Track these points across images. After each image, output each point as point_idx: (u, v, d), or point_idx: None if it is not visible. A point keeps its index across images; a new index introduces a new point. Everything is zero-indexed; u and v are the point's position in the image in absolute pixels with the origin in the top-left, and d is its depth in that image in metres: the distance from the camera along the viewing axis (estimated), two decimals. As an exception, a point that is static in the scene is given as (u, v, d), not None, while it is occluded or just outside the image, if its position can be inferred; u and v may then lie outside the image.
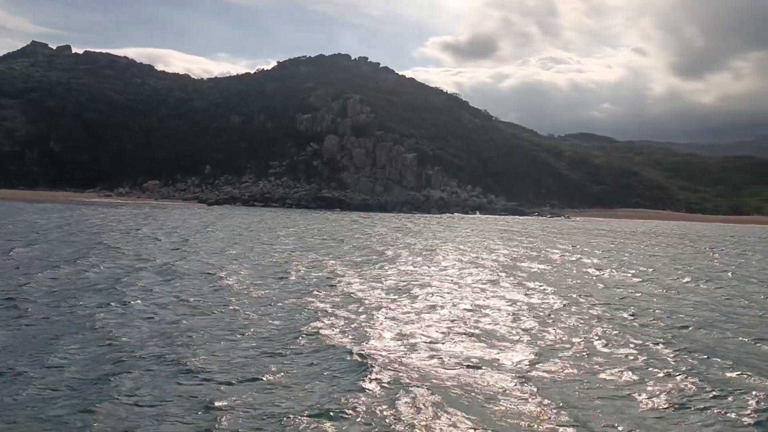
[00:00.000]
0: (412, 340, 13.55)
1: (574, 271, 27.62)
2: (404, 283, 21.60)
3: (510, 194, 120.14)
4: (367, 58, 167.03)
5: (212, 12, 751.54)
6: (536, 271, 27.00)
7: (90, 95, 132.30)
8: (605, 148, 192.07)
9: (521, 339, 14.10)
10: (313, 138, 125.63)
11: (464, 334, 14.38)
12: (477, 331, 14.64)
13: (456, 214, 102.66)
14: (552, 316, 16.93)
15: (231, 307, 16.45)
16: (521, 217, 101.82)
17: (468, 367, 11.85)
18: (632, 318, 17.02)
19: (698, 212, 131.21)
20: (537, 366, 12.04)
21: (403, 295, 19.12)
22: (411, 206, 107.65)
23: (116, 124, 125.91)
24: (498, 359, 12.41)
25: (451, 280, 23.12)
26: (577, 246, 42.50)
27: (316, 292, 19.07)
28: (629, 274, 27.29)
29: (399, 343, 13.34)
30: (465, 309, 17.38)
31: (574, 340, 14.18)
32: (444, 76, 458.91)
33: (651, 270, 29.35)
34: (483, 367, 11.79)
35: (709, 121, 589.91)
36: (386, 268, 26.11)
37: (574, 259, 33.47)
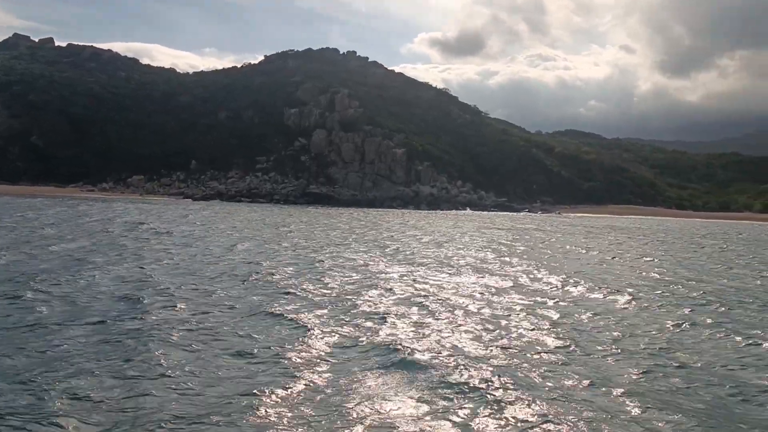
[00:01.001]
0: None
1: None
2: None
3: (500, 190, 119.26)
4: (356, 53, 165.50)
5: (199, 6, 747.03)
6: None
7: (73, 89, 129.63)
8: (593, 145, 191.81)
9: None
10: (300, 133, 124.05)
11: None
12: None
13: (446, 210, 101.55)
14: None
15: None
16: (511, 214, 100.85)
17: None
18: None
19: (689, 209, 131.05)
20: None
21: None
22: (400, 202, 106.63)
23: (100, 119, 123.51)
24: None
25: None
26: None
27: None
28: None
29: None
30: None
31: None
32: (432, 72, 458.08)
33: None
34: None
35: (695, 119, 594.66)
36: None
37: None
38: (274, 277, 19.15)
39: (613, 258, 30.53)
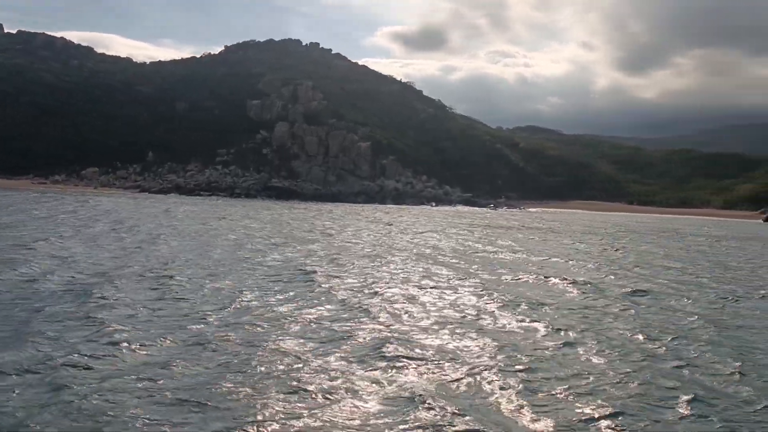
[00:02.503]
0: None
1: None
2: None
3: (466, 185, 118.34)
4: (319, 44, 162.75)
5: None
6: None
7: (24, 77, 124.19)
8: (553, 141, 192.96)
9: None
10: (262, 125, 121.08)
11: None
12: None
13: (412, 205, 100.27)
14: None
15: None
16: (477, 209, 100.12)
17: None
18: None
19: (650, 205, 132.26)
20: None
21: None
22: (365, 197, 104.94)
23: (52, 108, 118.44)
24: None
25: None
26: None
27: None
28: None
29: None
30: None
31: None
32: (393, 67, 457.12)
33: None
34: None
35: (651, 116, 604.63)
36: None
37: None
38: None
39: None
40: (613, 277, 22.03)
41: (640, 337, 12.88)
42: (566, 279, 20.03)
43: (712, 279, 22.81)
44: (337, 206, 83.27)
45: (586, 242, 38.21)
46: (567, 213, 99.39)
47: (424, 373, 9.88)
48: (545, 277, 20.66)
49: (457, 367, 10.24)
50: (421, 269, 21.85)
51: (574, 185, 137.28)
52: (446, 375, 9.85)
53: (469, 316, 14.16)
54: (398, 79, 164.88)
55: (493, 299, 16.12)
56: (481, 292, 17.24)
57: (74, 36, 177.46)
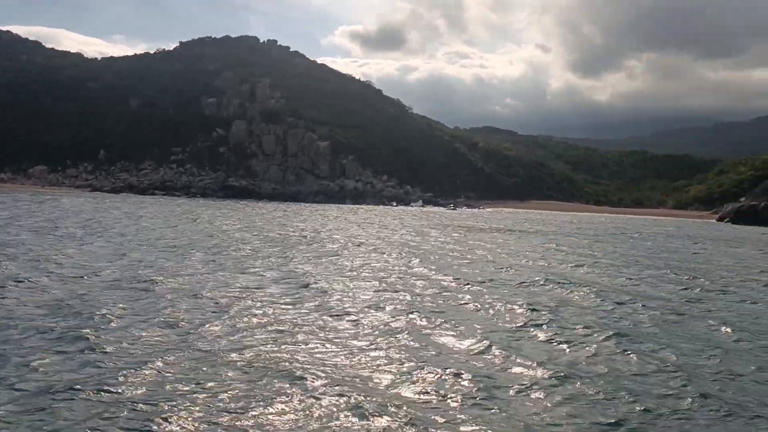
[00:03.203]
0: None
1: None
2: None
3: (426, 185, 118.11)
4: (277, 41, 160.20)
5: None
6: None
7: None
8: (510, 141, 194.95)
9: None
10: (219, 123, 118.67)
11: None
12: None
13: (372, 205, 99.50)
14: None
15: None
16: (436, 208, 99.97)
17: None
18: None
19: (605, 204, 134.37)
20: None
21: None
22: (324, 196, 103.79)
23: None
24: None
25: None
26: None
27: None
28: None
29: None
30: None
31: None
32: (352, 66, 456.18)
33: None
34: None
35: (604, 117, 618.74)
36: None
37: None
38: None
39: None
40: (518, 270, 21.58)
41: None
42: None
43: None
44: (289, 206, 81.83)
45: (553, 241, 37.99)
46: (529, 212, 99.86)
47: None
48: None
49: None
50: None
51: (531, 185, 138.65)
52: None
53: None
54: (358, 78, 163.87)
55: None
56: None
57: (21, 30, 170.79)
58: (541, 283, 18.68)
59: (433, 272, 20.31)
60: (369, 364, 9.75)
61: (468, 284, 17.77)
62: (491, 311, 14.23)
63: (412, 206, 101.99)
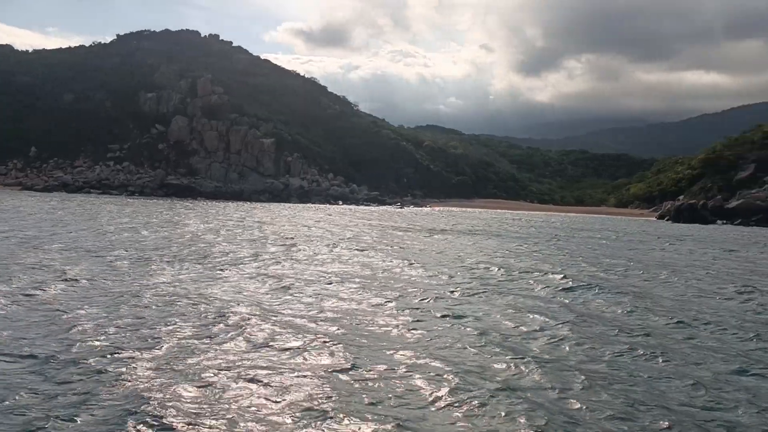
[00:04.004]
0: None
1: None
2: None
3: (372, 184, 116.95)
4: (219, 36, 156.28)
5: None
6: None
7: None
8: (455, 140, 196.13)
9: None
10: (158, 119, 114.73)
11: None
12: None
13: (318, 203, 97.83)
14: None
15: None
16: (382, 207, 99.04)
17: None
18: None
19: (549, 203, 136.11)
20: None
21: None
22: (269, 195, 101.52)
23: None
24: None
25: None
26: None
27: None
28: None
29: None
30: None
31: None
32: (295, 63, 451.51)
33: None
34: None
35: (544, 117, 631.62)
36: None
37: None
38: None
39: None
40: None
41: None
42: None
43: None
44: (227, 205, 79.38)
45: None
46: (485, 211, 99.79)
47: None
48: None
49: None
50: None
51: (478, 184, 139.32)
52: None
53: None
54: (302, 74, 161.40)
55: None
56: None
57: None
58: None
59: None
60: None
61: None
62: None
63: (362, 205, 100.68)
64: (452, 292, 15.93)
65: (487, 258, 25.24)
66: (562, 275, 19.61)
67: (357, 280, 17.21)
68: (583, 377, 8.92)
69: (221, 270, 18.05)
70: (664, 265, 24.85)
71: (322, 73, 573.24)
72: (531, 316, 13.08)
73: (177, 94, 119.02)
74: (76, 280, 15.13)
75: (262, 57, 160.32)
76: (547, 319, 12.75)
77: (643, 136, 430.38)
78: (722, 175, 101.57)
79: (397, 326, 11.67)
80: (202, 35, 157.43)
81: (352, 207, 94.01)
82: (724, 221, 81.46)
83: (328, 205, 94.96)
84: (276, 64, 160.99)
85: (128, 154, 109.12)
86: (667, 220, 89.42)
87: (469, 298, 15.26)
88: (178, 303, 12.88)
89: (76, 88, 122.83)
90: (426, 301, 14.48)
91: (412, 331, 11.32)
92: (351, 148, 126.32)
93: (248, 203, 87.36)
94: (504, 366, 9.37)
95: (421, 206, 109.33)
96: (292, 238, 30.86)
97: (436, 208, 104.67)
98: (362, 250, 26.05)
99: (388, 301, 14.09)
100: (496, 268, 21.25)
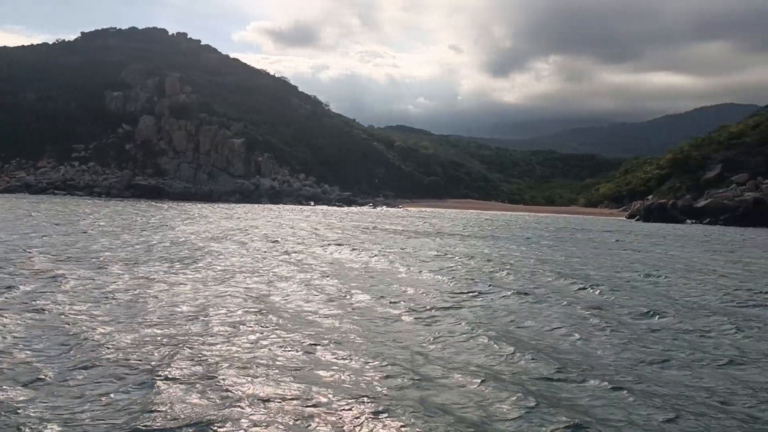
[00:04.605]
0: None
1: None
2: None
3: (344, 184, 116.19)
4: (187, 34, 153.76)
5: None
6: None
7: None
8: (425, 140, 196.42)
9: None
10: (125, 118, 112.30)
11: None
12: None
13: (289, 204, 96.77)
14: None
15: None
16: (355, 208, 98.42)
17: None
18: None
19: (520, 203, 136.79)
20: None
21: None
22: (240, 195, 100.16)
23: None
24: None
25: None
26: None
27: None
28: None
29: None
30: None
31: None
32: (263, 63, 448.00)
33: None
34: None
35: (512, 117, 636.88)
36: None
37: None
38: None
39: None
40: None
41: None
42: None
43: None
44: (198, 206, 77.98)
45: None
46: (462, 212, 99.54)
47: None
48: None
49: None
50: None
51: (450, 184, 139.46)
52: None
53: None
54: (272, 74, 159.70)
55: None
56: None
57: None
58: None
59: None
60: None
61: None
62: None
63: (334, 206, 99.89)
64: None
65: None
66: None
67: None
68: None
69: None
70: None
71: (292, 73, 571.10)
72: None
73: (144, 92, 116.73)
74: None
75: (231, 56, 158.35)
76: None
77: (608, 136, 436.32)
78: (690, 175, 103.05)
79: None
80: (170, 33, 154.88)
81: (324, 207, 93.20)
82: (694, 220, 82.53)
83: (299, 206, 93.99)
84: (246, 64, 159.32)
85: (94, 154, 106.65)
86: (637, 219, 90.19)
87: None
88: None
89: (39, 86, 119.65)
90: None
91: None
92: (322, 148, 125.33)
93: (218, 204, 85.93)
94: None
95: (394, 206, 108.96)
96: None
97: (409, 209, 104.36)
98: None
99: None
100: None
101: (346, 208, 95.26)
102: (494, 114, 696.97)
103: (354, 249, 27.00)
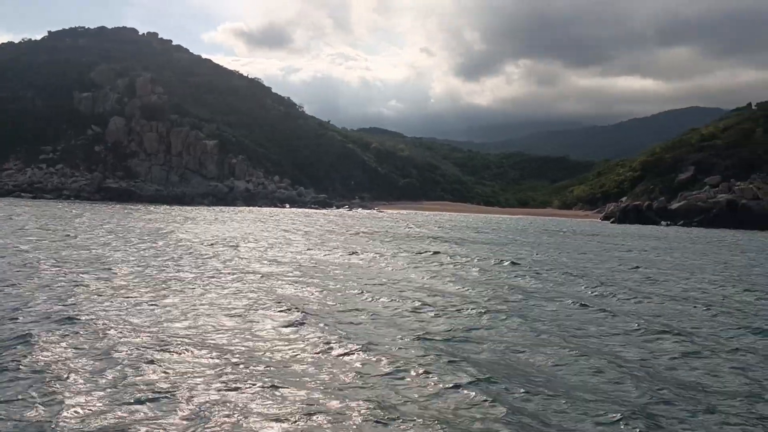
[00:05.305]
0: None
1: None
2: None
3: (320, 186, 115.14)
4: (158, 34, 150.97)
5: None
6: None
7: None
8: (400, 143, 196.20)
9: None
10: (94, 120, 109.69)
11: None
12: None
13: (264, 207, 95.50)
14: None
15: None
16: (331, 210, 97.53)
17: None
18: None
19: (495, 205, 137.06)
20: None
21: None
22: (213, 198, 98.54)
23: None
24: None
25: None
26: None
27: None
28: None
29: None
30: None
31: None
32: (234, 65, 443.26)
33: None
34: None
35: (483, 120, 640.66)
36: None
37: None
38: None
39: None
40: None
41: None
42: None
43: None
44: (168, 209, 76.42)
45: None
46: (441, 214, 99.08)
47: None
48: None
49: None
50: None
51: (425, 186, 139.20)
52: None
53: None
54: (245, 75, 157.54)
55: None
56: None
57: None
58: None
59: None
60: None
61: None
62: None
63: (310, 208, 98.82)
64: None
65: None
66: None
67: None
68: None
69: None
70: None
71: (263, 74, 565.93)
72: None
73: (114, 93, 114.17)
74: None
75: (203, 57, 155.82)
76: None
77: (578, 138, 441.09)
78: (663, 177, 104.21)
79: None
80: (141, 33, 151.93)
81: (299, 210, 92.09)
82: (669, 222, 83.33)
83: (274, 208, 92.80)
84: (218, 64, 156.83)
85: (62, 156, 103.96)
86: (612, 221, 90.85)
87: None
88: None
89: (4, 86, 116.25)
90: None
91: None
92: (297, 150, 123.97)
93: (191, 207, 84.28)
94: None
95: (370, 208, 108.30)
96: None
97: (386, 210, 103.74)
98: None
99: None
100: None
101: (321, 211, 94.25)
102: (466, 117, 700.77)
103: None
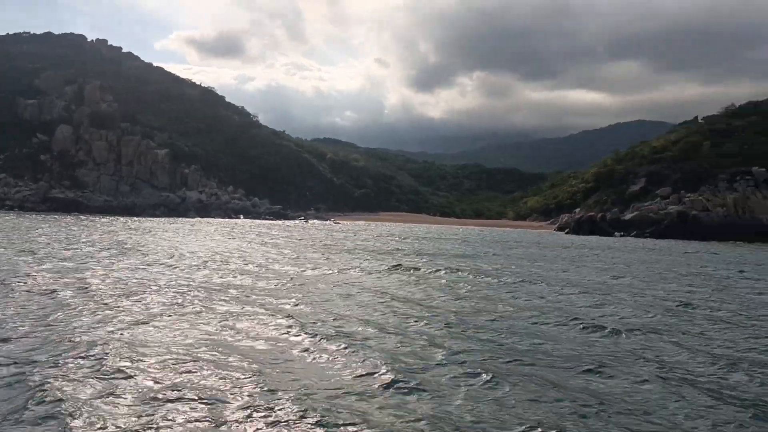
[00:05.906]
0: None
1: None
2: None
3: (275, 197, 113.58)
4: (107, 41, 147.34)
5: None
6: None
7: None
8: (354, 153, 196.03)
9: None
10: (40, 128, 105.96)
11: None
12: None
13: (218, 218, 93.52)
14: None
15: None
16: (289, 222, 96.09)
17: None
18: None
19: (451, 216, 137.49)
20: None
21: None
22: (165, 209, 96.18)
23: None
24: None
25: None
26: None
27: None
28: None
29: None
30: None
31: None
32: (186, 73, 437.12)
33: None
34: None
35: (436, 132, 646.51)
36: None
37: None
38: None
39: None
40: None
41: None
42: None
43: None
44: (112, 220, 74.05)
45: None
46: (399, 225, 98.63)
47: None
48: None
49: None
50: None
51: (380, 196, 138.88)
52: None
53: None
54: (198, 83, 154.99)
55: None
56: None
57: None
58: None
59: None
60: None
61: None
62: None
63: (265, 219, 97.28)
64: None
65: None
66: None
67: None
68: None
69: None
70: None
71: (216, 83, 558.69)
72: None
73: (62, 101, 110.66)
74: None
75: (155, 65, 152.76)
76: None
77: (529, 150, 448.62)
78: (615, 189, 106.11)
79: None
80: (89, 40, 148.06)
81: (253, 221, 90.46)
82: (622, 233, 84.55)
83: (228, 220, 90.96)
84: (170, 72, 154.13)
85: (6, 165, 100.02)
86: (567, 232, 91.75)
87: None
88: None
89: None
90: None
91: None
92: (252, 160, 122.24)
93: (142, 218, 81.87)
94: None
95: (326, 219, 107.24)
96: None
97: (343, 222, 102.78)
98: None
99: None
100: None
101: (277, 222, 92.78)
102: (420, 128, 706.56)
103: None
